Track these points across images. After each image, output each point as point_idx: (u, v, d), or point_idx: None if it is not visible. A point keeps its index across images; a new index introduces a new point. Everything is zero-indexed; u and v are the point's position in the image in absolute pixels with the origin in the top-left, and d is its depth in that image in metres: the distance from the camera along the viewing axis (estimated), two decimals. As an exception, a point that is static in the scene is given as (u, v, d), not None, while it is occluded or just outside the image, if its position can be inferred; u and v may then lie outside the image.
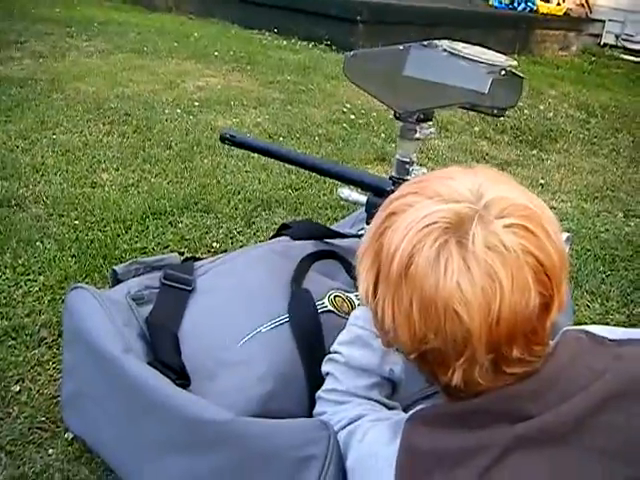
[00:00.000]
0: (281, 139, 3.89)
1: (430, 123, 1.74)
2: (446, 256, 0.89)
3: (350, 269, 1.74)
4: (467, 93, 1.50)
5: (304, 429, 1.14)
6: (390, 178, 1.76)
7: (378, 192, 1.73)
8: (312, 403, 1.30)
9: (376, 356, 1.24)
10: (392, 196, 1.00)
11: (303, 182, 3.23)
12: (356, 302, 1.63)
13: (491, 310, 0.88)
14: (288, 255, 1.72)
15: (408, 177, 1.73)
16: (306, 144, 3.84)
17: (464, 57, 1.52)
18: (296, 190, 3.14)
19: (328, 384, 1.28)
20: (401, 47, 1.63)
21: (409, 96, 1.67)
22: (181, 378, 1.33)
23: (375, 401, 1.22)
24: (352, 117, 4.49)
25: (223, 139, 1.99)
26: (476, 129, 4.69)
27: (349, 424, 1.14)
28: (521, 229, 0.90)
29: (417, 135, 1.73)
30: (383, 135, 4.23)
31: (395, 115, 1.74)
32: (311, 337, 1.44)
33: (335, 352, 1.29)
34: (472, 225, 0.89)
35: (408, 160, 1.75)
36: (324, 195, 3.10)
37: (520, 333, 0.91)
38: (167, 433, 1.25)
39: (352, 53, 1.73)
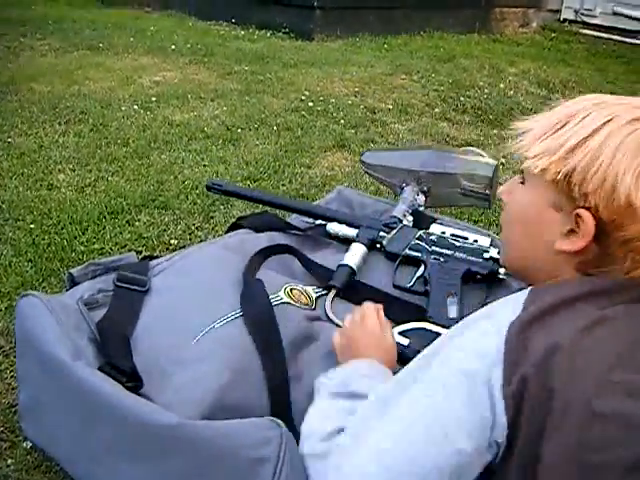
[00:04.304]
0: (239, 130, 3.86)
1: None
2: None
3: (306, 262, 1.74)
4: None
5: (254, 429, 1.12)
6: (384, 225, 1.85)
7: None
8: (271, 394, 1.31)
9: None
10: None
11: (262, 173, 3.21)
12: (314, 295, 1.62)
13: None
14: (242, 250, 1.71)
15: (399, 224, 1.84)
16: (265, 134, 3.82)
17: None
18: (255, 181, 3.12)
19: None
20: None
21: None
22: (132, 380, 1.31)
23: None
24: (310, 104, 4.46)
25: (210, 189, 2.04)
26: (437, 110, 4.69)
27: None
28: None
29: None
30: (342, 121, 4.21)
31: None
32: (265, 328, 1.43)
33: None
34: None
35: (400, 217, 1.89)
36: (283, 185, 3.09)
37: None
38: (119, 439, 1.23)
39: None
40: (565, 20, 9.65)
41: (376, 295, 1.64)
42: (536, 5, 9.47)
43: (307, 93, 4.71)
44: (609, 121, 1.04)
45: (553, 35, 9.00)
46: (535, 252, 1.15)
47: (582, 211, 1.04)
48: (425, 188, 1.97)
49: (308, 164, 3.42)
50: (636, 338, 0.96)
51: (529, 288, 1.06)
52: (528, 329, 0.96)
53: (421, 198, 1.96)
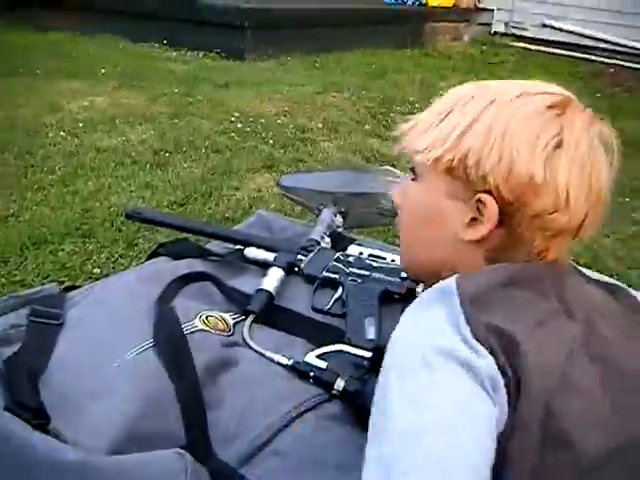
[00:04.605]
0: (167, 154, 3.85)
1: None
2: None
3: (224, 288, 1.73)
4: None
5: (158, 463, 1.11)
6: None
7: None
8: (186, 422, 1.28)
9: None
10: None
11: (188, 197, 3.20)
12: (231, 321, 1.62)
13: None
14: (159, 279, 1.69)
15: (317, 247, 1.84)
16: (193, 157, 3.81)
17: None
18: (181, 206, 3.11)
19: None
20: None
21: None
22: (39, 418, 1.28)
23: None
24: (240, 125, 4.47)
25: (129, 217, 2.00)
26: (367, 127, 4.73)
27: None
28: None
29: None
30: (271, 142, 4.22)
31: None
32: (177, 356, 1.42)
33: None
34: None
35: (318, 239, 1.88)
36: (209, 209, 3.08)
37: None
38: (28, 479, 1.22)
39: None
40: (496, 33, 9.82)
41: (295, 319, 1.64)
42: (467, 19, 9.62)
43: (237, 114, 4.70)
44: (493, 101, 1.04)
45: (484, 48, 9.15)
46: (438, 249, 1.12)
47: (483, 195, 1.01)
48: (343, 209, 1.98)
49: (236, 186, 3.42)
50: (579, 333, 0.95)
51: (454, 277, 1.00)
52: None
53: (339, 219, 1.96)
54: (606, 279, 1.16)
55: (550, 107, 1.02)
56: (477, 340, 0.87)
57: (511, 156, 0.99)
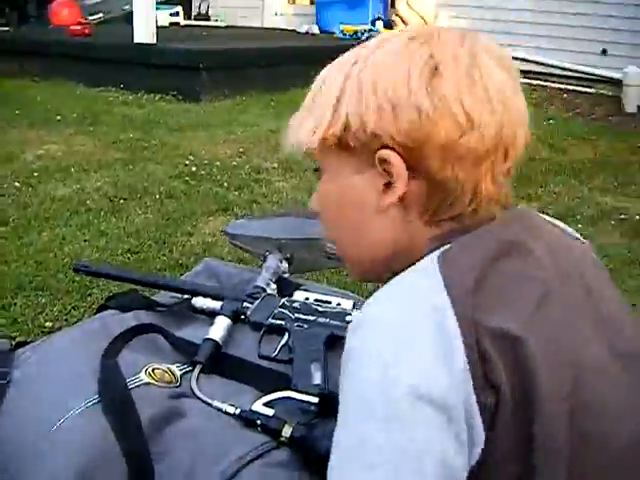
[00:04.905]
0: (122, 201, 3.86)
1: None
2: None
3: (171, 339, 1.74)
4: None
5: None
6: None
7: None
8: (132, 477, 1.28)
9: None
10: None
11: (142, 245, 3.22)
12: (178, 373, 1.63)
13: None
14: (106, 333, 1.70)
15: (263, 294, 1.82)
16: (147, 204, 3.83)
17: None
18: (135, 254, 3.13)
19: None
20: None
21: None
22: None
23: None
24: (194, 169, 4.50)
25: (77, 270, 1.99)
26: (322, 166, 4.75)
27: None
28: None
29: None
30: (226, 184, 4.25)
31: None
32: (122, 412, 1.42)
33: None
34: None
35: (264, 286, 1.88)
36: (163, 256, 3.10)
37: None
38: None
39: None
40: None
41: (242, 367, 1.65)
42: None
43: (192, 157, 4.73)
44: (355, 62, 0.98)
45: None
46: (373, 231, 1.03)
47: (382, 152, 0.94)
48: (288, 255, 2.00)
49: (190, 232, 3.44)
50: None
51: (436, 255, 0.93)
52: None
53: (285, 265, 1.98)
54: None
55: (412, 39, 0.97)
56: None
57: (389, 100, 0.93)
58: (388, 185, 0.96)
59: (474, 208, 0.96)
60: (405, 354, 0.84)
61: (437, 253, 0.94)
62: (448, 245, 0.94)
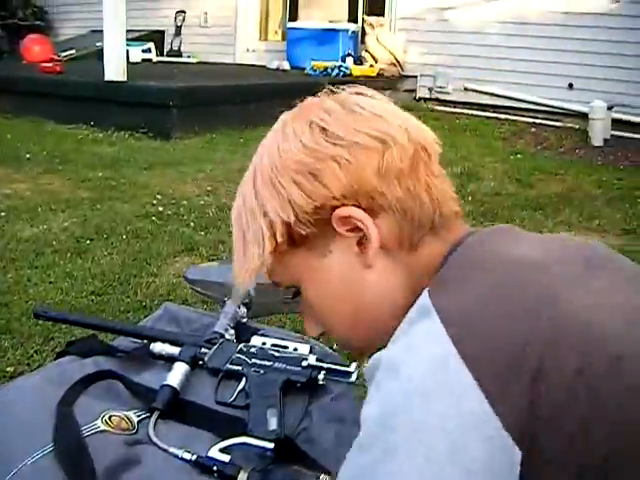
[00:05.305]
0: (88, 242, 3.87)
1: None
2: None
3: (130, 385, 1.76)
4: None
5: None
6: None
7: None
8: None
9: None
10: None
11: (106, 286, 3.23)
12: (135, 419, 1.64)
13: None
14: (64, 379, 1.71)
15: (220, 339, 1.85)
16: (114, 244, 3.84)
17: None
18: (99, 296, 3.13)
19: None
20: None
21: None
22: None
23: None
24: (161, 209, 4.51)
25: (37, 316, 2.02)
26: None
27: None
28: None
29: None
30: (193, 224, 4.27)
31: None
32: (76, 460, 1.43)
33: None
34: None
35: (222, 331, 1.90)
36: (127, 297, 3.11)
37: None
38: None
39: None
40: (421, 99, 10.04)
41: (199, 412, 1.67)
42: (392, 87, 9.83)
43: (159, 197, 4.76)
44: (252, 166, 1.03)
45: (410, 114, 9.30)
46: (372, 293, 1.00)
47: (337, 212, 0.94)
48: (247, 300, 2.02)
49: (155, 272, 3.45)
50: None
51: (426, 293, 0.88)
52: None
53: (243, 310, 2.01)
54: None
55: (284, 120, 1.02)
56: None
57: (302, 172, 0.94)
58: (360, 243, 0.95)
59: (439, 211, 0.97)
60: None
61: None
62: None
